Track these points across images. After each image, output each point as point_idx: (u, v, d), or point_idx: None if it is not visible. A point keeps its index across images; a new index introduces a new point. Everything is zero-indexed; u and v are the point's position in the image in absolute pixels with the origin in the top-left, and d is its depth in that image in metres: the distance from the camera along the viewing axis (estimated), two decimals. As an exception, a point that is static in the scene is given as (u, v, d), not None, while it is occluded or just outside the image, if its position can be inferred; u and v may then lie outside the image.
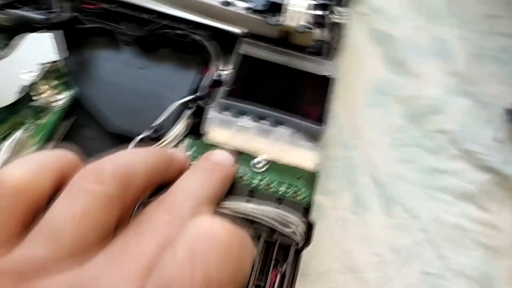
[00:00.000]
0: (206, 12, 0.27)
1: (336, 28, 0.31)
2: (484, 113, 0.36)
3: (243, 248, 0.13)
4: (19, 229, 0.13)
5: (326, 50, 0.30)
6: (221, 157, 0.20)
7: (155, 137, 0.22)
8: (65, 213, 0.13)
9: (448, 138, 0.35)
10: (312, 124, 0.24)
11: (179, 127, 0.23)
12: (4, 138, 0.20)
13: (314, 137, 0.24)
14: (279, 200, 0.21)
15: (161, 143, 0.22)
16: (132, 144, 0.22)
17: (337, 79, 0.38)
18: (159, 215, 0.14)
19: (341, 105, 0.37)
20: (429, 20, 0.42)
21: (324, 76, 0.26)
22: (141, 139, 0.22)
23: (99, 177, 0.14)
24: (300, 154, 0.23)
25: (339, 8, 0.31)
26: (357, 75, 0.39)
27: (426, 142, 0.35)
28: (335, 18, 0.30)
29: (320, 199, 0.32)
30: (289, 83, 0.25)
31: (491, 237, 0.31)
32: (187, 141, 0.23)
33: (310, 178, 0.22)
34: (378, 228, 0.31)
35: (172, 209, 0.15)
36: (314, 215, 0.31)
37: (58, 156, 0.15)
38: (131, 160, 0.15)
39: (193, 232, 0.13)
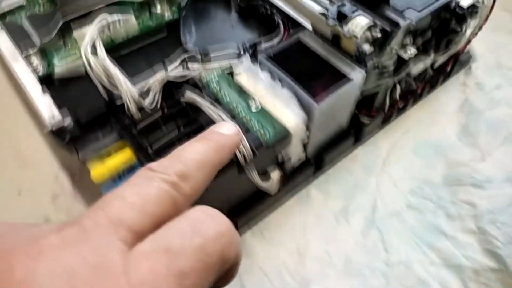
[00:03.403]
0: (294, 5, 0.35)
1: (400, 61, 0.34)
2: (535, 215, 0.33)
3: (232, 243, 0.14)
4: None
5: (380, 73, 0.34)
6: (223, 128, 0.21)
7: (202, 59, 0.31)
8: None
9: (474, 213, 0.33)
10: (309, 97, 0.28)
11: (223, 62, 0.31)
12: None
13: (307, 108, 0.28)
14: (247, 130, 0.27)
15: (204, 65, 0.31)
16: (183, 55, 0.31)
17: (399, 121, 0.40)
18: (145, 171, 0.15)
19: (389, 141, 0.39)
20: (536, 117, 0.40)
21: (347, 77, 0.30)
22: (192, 56, 0.31)
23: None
24: (287, 113, 0.28)
25: (411, 47, 0.34)
26: (423, 128, 0.40)
27: (449, 207, 0.34)
28: (401, 52, 0.33)
29: (315, 195, 0.35)
30: (317, 71, 0.30)
31: (457, 317, 0.29)
32: (219, 71, 0.30)
33: (281, 131, 0.27)
34: (347, 240, 0.32)
35: (158, 168, 0.15)
36: (301, 201, 0.35)
37: None
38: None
39: (197, 215, 0.14)
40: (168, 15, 0.34)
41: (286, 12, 0.35)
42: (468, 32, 0.40)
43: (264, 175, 0.30)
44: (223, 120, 0.27)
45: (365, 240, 0.32)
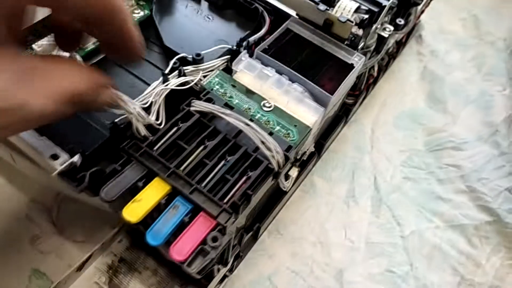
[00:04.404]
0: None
1: (379, 39, 0.34)
2: (508, 167, 0.37)
3: None
4: None
5: (363, 52, 0.34)
6: None
7: (195, 61, 0.28)
8: None
9: (460, 174, 0.36)
10: (322, 90, 0.27)
11: (217, 61, 0.29)
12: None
13: (320, 102, 0.28)
14: (271, 134, 0.25)
15: (198, 67, 0.28)
16: (174, 59, 0.28)
17: (374, 95, 0.41)
18: None
19: (371, 117, 0.40)
20: (484, 77, 0.44)
21: (349, 64, 0.30)
22: (184, 59, 0.28)
23: None
24: (303, 109, 0.27)
25: (388, 25, 0.35)
26: (396, 100, 0.42)
27: (438, 172, 0.37)
28: (380, 31, 0.34)
29: (319, 183, 0.35)
30: (316, 60, 0.30)
31: (471, 272, 0.32)
32: (217, 71, 0.28)
33: (303, 129, 0.26)
34: (362, 222, 0.33)
35: None
36: (308, 192, 0.34)
37: None
38: None
39: None
40: (139, 13, 0.30)
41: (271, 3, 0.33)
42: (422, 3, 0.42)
43: (286, 175, 0.29)
44: (243, 125, 0.25)
45: (378, 218, 0.33)
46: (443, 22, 0.49)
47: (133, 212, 0.20)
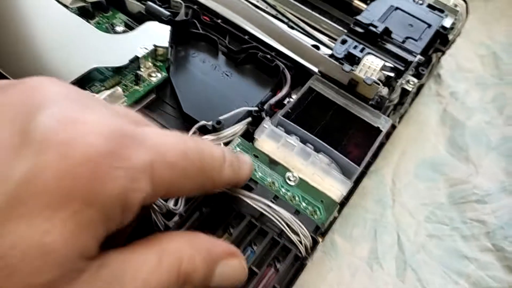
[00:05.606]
0: (294, 47, 0.32)
1: (402, 93, 0.33)
2: (533, 222, 0.36)
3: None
4: None
5: (386, 107, 0.32)
6: None
7: (215, 129, 0.27)
8: None
9: (485, 231, 0.35)
10: (349, 161, 0.26)
11: (237, 127, 0.27)
12: (107, 89, 0.26)
13: (347, 173, 0.26)
14: (297, 212, 0.24)
15: (218, 135, 0.27)
16: (194, 128, 0.26)
17: (393, 142, 0.40)
18: None
19: (390, 166, 0.39)
20: (506, 121, 0.43)
21: (375, 127, 0.29)
22: (203, 127, 0.27)
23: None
24: (330, 183, 0.26)
25: (411, 77, 0.34)
26: (416, 146, 0.40)
27: (462, 228, 0.35)
28: (404, 85, 0.33)
29: (340, 242, 0.34)
30: (341, 123, 0.29)
31: None
32: (238, 139, 0.27)
33: (331, 205, 0.25)
34: (387, 287, 0.32)
35: None
36: (329, 253, 0.33)
37: None
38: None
39: None
40: (156, 76, 0.29)
41: (288, 55, 0.32)
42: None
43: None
44: (266, 207, 0.24)
45: (403, 283, 0.32)
46: (461, 59, 0.48)
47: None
